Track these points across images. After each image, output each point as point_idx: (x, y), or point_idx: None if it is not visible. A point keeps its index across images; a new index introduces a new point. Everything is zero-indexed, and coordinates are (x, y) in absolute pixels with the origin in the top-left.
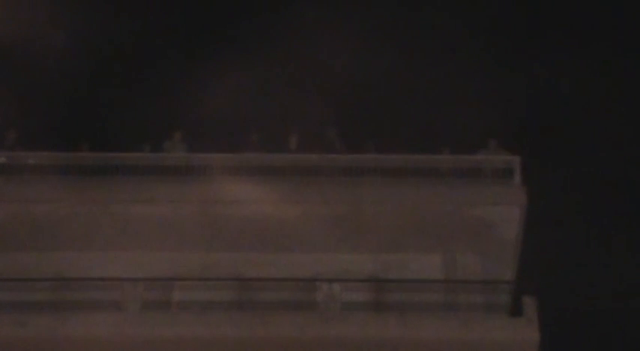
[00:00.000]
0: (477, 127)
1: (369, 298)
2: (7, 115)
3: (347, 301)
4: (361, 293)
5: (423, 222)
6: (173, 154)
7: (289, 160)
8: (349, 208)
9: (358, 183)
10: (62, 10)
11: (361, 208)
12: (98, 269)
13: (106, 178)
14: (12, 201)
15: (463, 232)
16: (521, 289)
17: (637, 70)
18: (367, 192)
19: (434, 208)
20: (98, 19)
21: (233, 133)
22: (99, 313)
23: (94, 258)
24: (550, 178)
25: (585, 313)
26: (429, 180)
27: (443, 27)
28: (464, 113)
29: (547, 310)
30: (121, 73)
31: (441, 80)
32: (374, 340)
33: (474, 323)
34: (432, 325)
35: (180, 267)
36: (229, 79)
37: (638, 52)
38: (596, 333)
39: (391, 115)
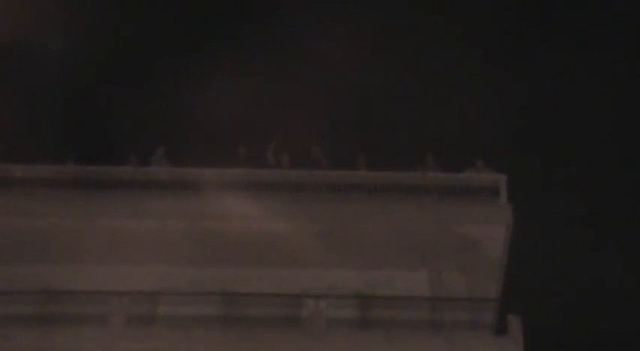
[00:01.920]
0: (463, 145)
1: (355, 314)
2: None
3: (333, 318)
4: (347, 310)
5: (409, 239)
6: (161, 169)
7: (277, 176)
8: (336, 225)
9: (345, 199)
10: (50, 22)
11: (347, 225)
12: (84, 283)
13: (93, 191)
14: None
15: (449, 250)
16: (507, 308)
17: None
18: (354, 208)
19: (420, 226)
20: (84, 31)
21: (221, 147)
22: (85, 326)
23: (81, 271)
24: (535, 195)
25: (570, 331)
26: (415, 197)
27: (433, 42)
28: (451, 131)
29: (532, 329)
30: (109, 87)
31: (430, 98)
32: None
33: (459, 341)
34: (418, 343)
35: (166, 281)
36: (218, 94)
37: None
38: None
39: (379, 131)
